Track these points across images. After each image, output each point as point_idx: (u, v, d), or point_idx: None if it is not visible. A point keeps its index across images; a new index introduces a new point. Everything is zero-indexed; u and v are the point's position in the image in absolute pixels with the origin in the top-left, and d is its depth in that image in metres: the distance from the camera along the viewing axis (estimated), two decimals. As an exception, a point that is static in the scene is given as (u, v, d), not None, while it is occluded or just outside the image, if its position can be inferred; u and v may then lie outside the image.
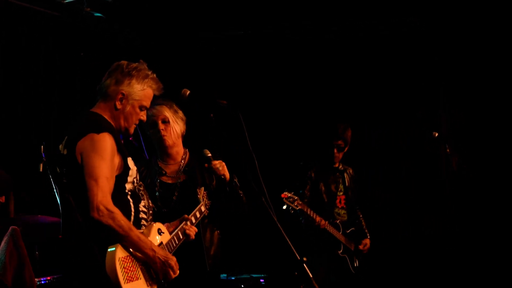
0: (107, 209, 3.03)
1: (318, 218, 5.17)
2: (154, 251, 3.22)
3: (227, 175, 4.03)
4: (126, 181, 3.28)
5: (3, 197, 4.94)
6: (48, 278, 4.65)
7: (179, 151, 4.27)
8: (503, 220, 6.51)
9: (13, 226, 4.30)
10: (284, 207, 4.99)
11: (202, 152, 4.06)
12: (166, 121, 4.19)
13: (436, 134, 5.56)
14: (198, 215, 3.86)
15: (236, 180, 4.10)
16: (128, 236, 3.10)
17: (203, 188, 4.01)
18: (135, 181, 3.36)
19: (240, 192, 4.14)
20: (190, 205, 3.90)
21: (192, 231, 3.70)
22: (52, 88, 6.13)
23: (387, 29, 6.86)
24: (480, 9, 6.46)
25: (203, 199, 3.95)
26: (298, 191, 5.32)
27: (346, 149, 5.55)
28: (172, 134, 4.19)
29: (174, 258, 3.30)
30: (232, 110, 3.38)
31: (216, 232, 4.19)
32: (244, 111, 3.38)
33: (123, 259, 3.09)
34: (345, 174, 5.62)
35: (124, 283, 3.04)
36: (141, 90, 3.40)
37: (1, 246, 4.26)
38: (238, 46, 7.27)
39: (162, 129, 4.17)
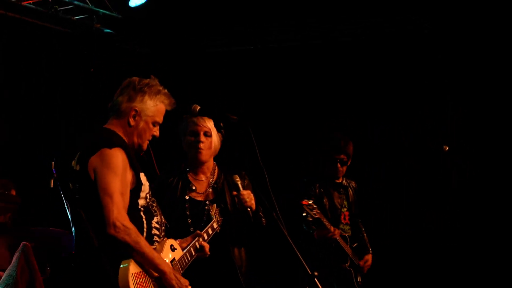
0: (123, 225, 3.05)
1: (332, 228, 5.18)
2: (168, 270, 3.21)
3: (254, 207, 3.99)
4: (138, 196, 3.29)
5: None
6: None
7: (209, 165, 4.25)
8: (505, 217, 6.47)
9: (25, 242, 4.31)
10: (304, 214, 4.97)
11: (232, 178, 4.04)
12: (208, 135, 4.15)
13: (447, 148, 5.50)
14: (210, 231, 3.86)
15: (261, 212, 4.06)
16: (144, 253, 3.12)
17: (215, 205, 4.01)
18: (148, 196, 3.36)
19: (264, 221, 4.09)
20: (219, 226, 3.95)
21: (205, 248, 3.71)
22: (56, 95, 6.17)
23: (392, 26, 6.86)
24: (488, 7, 6.44)
25: (215, 216, 3.95)
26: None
27: (349, 162, 5.48)
28: (209, 149, 4.16)
29: (187, 282, 3.30)
30: (243, 125, 3.39)
31: (242, 249, 4.18)
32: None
33: (136, 274, 3.11)
34: (349, 189, 5.58)
35: (137, 298, 3.05)
36: (154, 106, 3.40)
37: (12, 262, 4.27)
38: (244, 60, 7.32)
39: (202, 142, 4.13)
